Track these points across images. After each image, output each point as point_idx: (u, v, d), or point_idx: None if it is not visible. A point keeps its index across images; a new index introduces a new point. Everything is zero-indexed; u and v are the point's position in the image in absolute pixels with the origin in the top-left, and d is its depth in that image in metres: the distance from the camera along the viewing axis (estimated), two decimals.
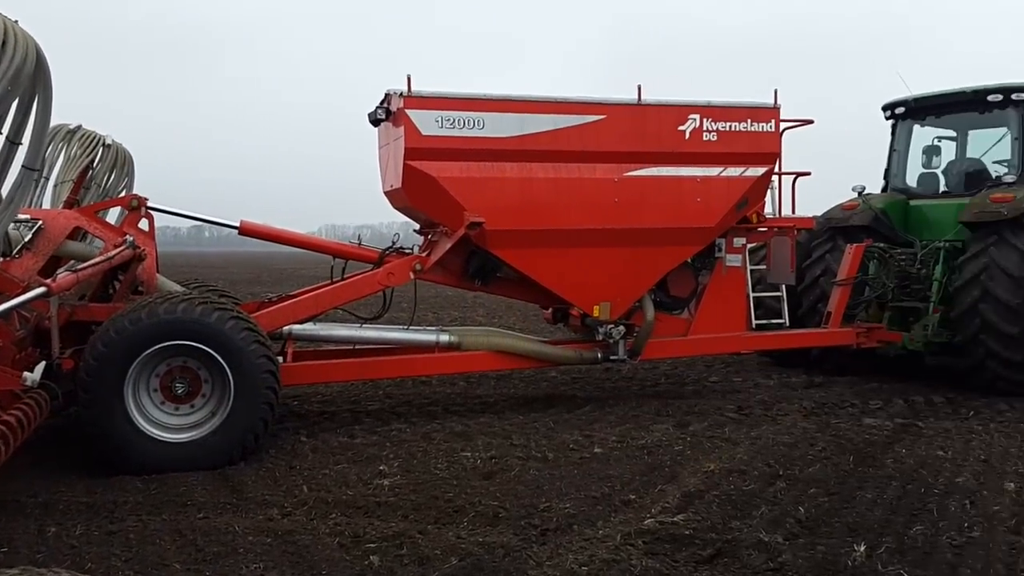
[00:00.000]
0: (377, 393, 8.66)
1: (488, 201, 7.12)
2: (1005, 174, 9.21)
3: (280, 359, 6.56)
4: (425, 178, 7.05)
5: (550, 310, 8.49)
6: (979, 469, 5.69)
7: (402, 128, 7.04)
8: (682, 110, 7.54)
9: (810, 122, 8.39)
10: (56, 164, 7.69)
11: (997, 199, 8.53)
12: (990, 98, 9.12)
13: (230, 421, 5.83)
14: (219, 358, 5.78)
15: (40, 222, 6.43)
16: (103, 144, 7.86)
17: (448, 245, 7.28)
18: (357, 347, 7.80)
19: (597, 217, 7.38)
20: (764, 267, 8.73)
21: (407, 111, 7.00)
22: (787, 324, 8.74)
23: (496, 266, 7.57)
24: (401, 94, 7.06)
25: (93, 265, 5.98)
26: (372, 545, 4.34)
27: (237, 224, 7.49)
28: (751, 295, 8.52)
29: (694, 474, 5.59)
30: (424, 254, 7.62)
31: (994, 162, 9.70)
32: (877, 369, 9.73)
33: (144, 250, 6.61)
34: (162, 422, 5.82)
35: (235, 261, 58.12)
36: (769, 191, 8.52)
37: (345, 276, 7.51)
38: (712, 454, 6.12)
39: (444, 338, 7.46)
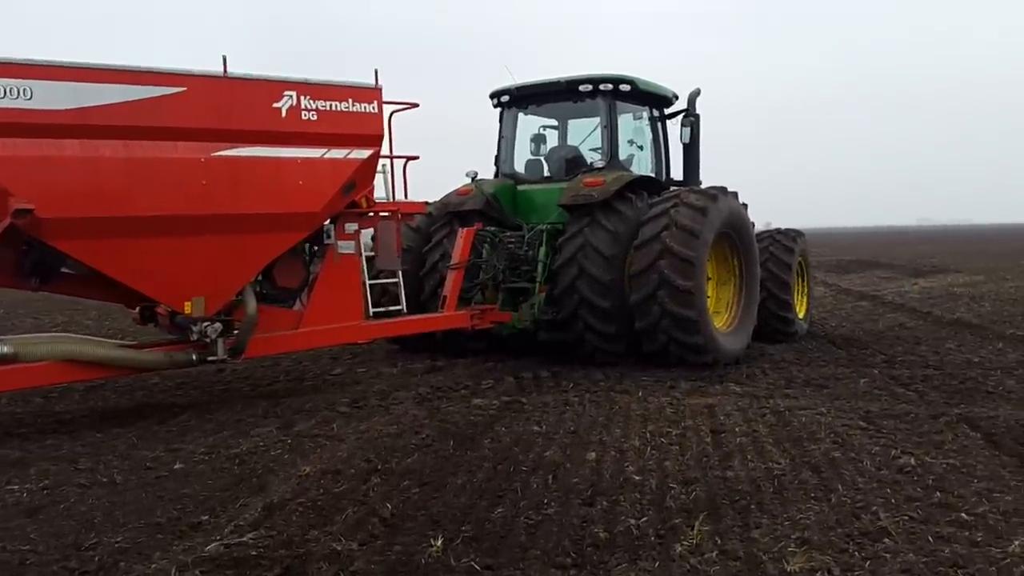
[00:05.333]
0: None
1: (41, 184, 5.99)
2: (598, 160, 9.92)
3: None
4: None
5: (137, 309, 7.49)
6: (567, 441, 5.88)
7: None
8: (276, 86, 6.98)
9: (415, 105, 8.28)
10: None
11: (589, 183, 9.12)
12: (581, 88, 9.73)
13: None
14: None
15: None
16: None
17: None
18: None
19: (182, 202, 6.55)
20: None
21: None
22: (404, 310, 8.59)
23: (59, 261, 6.44)
24: None
25: None
26: None
27: None
28: (367, 282, 8.23)
29: (286, 480, 5.11)
30: None
31: (591, 149, 10.42)
32: (496, 348, 10.04)
33: None
34: None
35: None
36: (382, 175, 8.30)
37: None
38: (312, 455, 5.68)
39: None
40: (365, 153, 7.47)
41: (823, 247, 47.17)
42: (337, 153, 7.30)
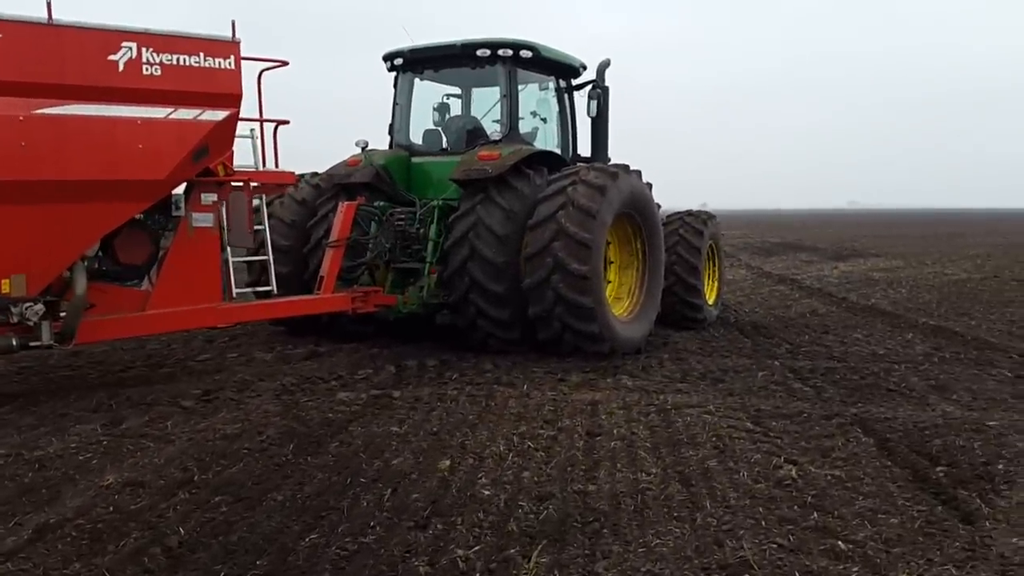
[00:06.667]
0: None
1: None
2: (496, 132, 9.23)
3: None
4: None
5: None
6: (424, 446, 5.24)
7: None
8: (111, 36, 6.11)
9: (285, 63, 7.50)
10: None
11: (484, 157, 8.44)
12: (479, 53, 8.99)
13: None
14: None
15: None
16: None
17: None
18: None
19: None
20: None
21: None
22: (275, 291, 7.82)
23: None
24: None
25: None
26: None
27: None
28: (230, 260, 7.42)
29: (81, 493, 4.37)
30: None
31: (493, 121, 9.73)
32: (387, 332, 9.36)
33: None
34: None
35: None
36: (251, 140, 7.51)
37: None
38: (126, 461, 4.93)
39: None
40: (220, 115, 6.63)
41: (751, 228, 47.47)
42: (185, 113, 6.46)
